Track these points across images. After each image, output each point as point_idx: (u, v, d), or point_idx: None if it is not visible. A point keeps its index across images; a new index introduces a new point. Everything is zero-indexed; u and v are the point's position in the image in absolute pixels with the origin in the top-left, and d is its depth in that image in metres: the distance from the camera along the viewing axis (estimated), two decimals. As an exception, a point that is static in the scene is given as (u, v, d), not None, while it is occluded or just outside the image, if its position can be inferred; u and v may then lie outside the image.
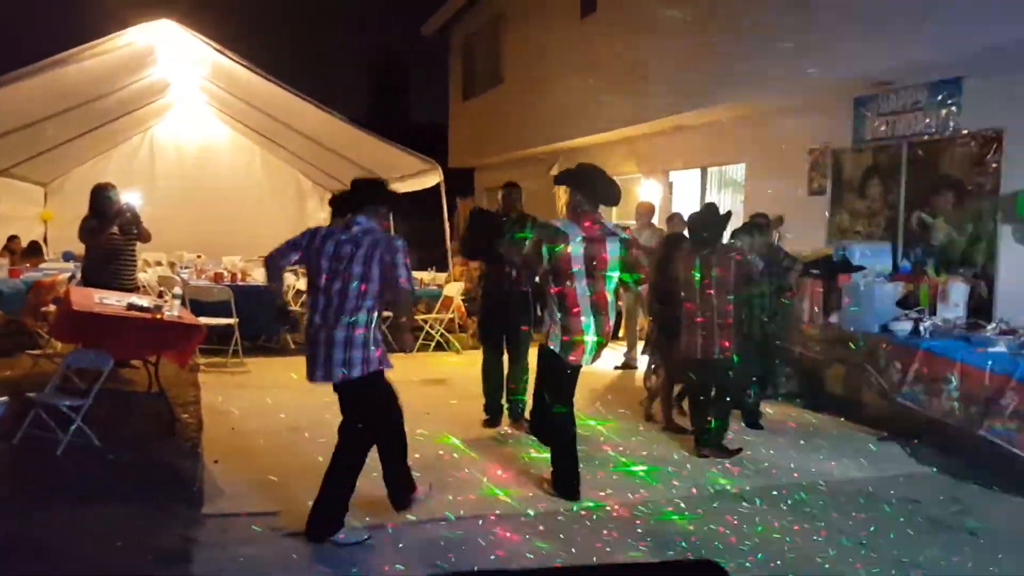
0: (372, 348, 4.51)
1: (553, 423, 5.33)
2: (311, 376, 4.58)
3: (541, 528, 4.77)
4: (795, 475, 5.92)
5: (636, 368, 9.61)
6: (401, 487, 4.86)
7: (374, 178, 5.10)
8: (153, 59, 10.89)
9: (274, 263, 4.74)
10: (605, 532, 4.75)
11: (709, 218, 6.54)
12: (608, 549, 4.53)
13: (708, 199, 11.64)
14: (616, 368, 9.69)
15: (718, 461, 6.14)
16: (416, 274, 12.33)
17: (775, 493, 5.52)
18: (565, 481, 5.30)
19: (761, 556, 4.46)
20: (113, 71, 10.51)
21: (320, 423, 6.41)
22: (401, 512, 4.82)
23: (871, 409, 7.28)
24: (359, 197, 4.74)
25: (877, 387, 6.98)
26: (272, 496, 5.10)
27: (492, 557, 4.34)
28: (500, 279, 6.73)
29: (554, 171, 15.31)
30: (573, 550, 4.47)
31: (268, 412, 7.10)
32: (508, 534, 4.67)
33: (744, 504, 5.31)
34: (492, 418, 6.94)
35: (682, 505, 5.25)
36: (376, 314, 4.54)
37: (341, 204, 4.87)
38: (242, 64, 10.36)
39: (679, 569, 0.77)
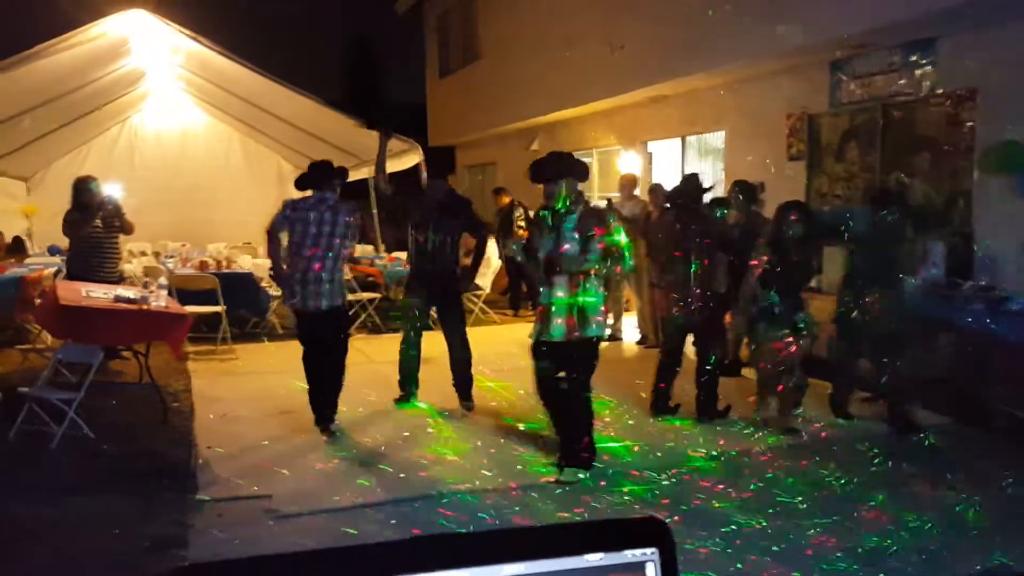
0: (345, 288, 6.18)
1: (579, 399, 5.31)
2: (304, 305, 6.08)
3: (526, 500, 4.88)
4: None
5: (622, 339, 9.72)
6: (334, 407, 6.22)
7: (325, 161, 6.50)
8: (127, 49, 10.81)
9: (272, 233, 6.21)
10: (584, 499, 4.86)
11: (683, 188, 6.70)
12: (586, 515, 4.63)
13: (688, 168, 11.69)
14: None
15: (703, 425, 6.27)
16: (398, 255, 12.36)
17: (746, 458, 5.63)
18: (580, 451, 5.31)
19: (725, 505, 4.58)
20: (87, 62, 10.42)
21: (307, 405, 6.50)
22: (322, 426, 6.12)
23: (859, 371, 7.38)
24: (322, 175, 6.22)
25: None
26: (266, 479, 5.16)
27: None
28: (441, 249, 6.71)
29: (534, 147, 15.37)
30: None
31: (258, 397, 7.16)
32: (490, 507, 4.77)
33: (718, 463, 5.44)
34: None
35: (652, 473, 5.33)
36: (342, 260, 6.21)
37: (305, 182, 6.34)
38: (216, 50, 10.30)
39: (619, 526, 0.83)
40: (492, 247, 11.27)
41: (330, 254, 6.05)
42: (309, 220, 6.04)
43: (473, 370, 6.82)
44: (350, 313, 7.25)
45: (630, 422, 6.39)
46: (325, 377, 6.22)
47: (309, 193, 6.23)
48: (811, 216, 6.31)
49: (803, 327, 6.06)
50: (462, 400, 6.82)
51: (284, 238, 6.15)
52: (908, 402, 6.34)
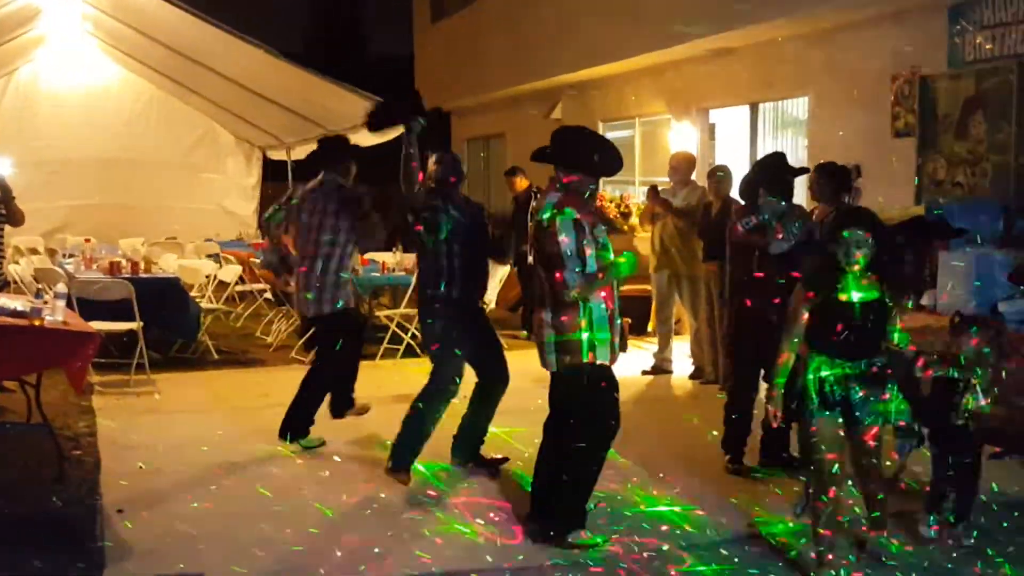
0: (345, 288, 7.01)
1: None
2: (303, 311, 7.35)
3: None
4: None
5: (671, 372, 9.73)
6: (343, 403, 7.19)
7: (337, 135, 7.47)
8: (18, -21, 10.92)
9: (266, 226, 7.46)
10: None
11: (755, 172, 6.93)
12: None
13: (760, 145, 11.70)
14: (644, 373, 9.79)
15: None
16: (378, 256, 12.35)
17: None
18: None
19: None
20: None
21: (251, 455, 6.53)
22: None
23: (978, 418, 7.38)
24: (325, 156, 7.17)
25: (985, 390, 7.07)
26: (194, 554, 5.18)
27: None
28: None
29: (556, 114, 15.41)
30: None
31: (185, 444, 7.17)
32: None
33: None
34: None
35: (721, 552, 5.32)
36: (346, 259, 7.01)
37: (314, 162, 7.43)
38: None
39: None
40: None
41: (325, 244, 6.88)
42: (304, 210, 6.97)
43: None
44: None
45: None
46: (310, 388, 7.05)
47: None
48: (883, 234, 4.98)
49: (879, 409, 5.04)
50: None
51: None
52: None
